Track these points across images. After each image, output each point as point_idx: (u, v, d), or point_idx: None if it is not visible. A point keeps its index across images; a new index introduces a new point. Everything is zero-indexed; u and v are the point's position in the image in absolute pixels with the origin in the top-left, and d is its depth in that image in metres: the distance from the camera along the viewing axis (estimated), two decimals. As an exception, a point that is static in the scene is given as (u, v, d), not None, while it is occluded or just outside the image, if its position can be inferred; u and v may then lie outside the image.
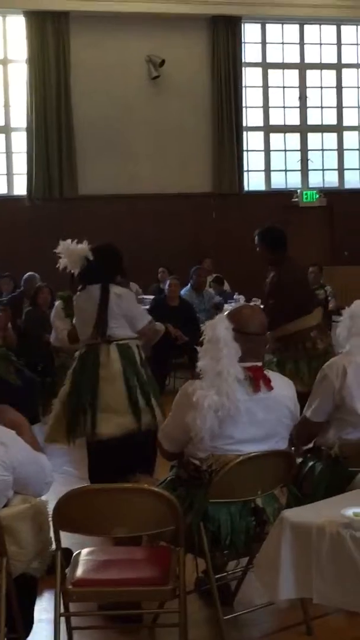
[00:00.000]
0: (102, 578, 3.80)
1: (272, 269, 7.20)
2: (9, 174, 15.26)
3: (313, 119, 16.91)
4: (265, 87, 16.55)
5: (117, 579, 3.79)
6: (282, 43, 16.65)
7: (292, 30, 16.63)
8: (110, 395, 5.80)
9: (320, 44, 16.85)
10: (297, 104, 16.79)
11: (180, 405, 4.15)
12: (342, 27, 16.84)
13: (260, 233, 7.28)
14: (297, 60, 16.74)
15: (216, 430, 4.02)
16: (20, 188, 14.99)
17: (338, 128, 17.06)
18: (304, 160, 16.88)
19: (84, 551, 4.03)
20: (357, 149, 17.21)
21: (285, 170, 16.87)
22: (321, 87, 16.93)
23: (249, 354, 4.16)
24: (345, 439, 4.58)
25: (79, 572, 3.83)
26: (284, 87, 16.71)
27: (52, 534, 3.81)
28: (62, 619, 3.84)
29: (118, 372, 5.81)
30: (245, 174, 16.10)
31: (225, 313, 4.29)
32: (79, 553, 4.01)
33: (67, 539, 3.92)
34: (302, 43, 16.73)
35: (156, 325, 6.33)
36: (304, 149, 16.91)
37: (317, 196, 16.38)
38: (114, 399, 5.80)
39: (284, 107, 16.74)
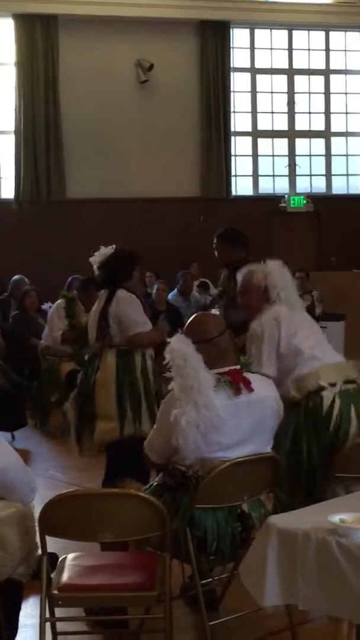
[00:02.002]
0: (88, 583, 3.80)
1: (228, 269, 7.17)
2: (-4, 177, 15.25)
3: (301, 124, 16.95)
4: (254, 92, 16.58)
5: (102, 584, 3.78)
6: (271, 48, 16.69)
7: (280, 35, 16.68)
8: (103, 401, 5.79)
9: (309, 49, 16.90)
10: (285, 109, 16.83)
11: (163, 417, 4.15)
12: (331, 33, 16.89)
13: (219, 234, 7.31)
14: (285, 65, 16.78)
15: (201, 445, 4.01)
16: (8, 191, 14.97)
17: (326, 134, 17.10)
18: (292, 166, 16.92)
19: (70, 556, 4.02)
20: (345, 155, 17.26)
21: (273, 176, 16.90)
22: (309, 93, 16.98)
23: (220, 358, 4.16)
24: (295, 377, 4.90)
25: (65, 577, 3.83)
26: (272, 92, 16.75)
27: (38, 539, 3.80)
28: (48, 625, 3.83)
29: (112, 377, 5.79)
30: (233, 178, 16.12)
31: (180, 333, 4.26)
32: (65, 558, 4.00)
33: (53, 543, 3.92)
34: (290, 49, 16.78)
35: (143, 336, 6.07)
36: (291, 154, 16.95)
37: (305, 201, 16.42)
38: (106, 405, 5.79)
39: (272, 112, 16.78)
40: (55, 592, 3.74)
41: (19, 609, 3.93)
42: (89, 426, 5.82)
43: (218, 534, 4.04)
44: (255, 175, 16.72)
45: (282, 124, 16.86)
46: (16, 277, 12.41)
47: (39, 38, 14.69)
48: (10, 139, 14.88)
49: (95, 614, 4.21)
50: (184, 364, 4.02)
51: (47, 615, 3.78)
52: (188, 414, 3.96)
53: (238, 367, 4.20)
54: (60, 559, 4.01)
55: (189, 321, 4.35)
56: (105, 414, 5.77)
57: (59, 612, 3.89)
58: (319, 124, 17.05)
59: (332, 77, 17.03)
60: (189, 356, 4.03)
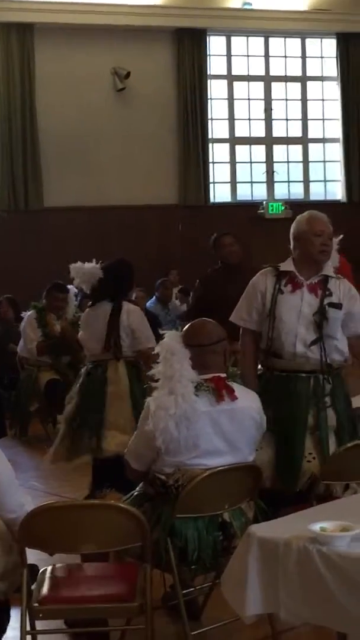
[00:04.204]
0: (69, 595, 3.78)
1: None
2: (-26, 186, 15.18)
3: (278, 131, 16.98)
4: (231, 99, 16.59)
5: (83, 595, 3.77)
6: (247, 55, 16.71)
7: (257, 43, 16.70)
8: (118, 413, 5.79)
9: (285, 56, 16.93)
10: (263, 116, 16.86)
11: (144, 420, 4.14)
12: (307, 40, 16.94)
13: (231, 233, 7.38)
14: (262, 72, 16.81)
15: (174, 434, 4.00)
16: (-15, 201, 14.91)
17: (303, 140, 17.14)
18: (270, 172, 16.94)
19: (50, 568, 4.00)
20: (322, 161, 17.30)
21: (251, 182, 16.92)
22: (286, 100, 17.00)
23: (207, 365, 4.18)
24: None
25: (45, 589, 3.80)
26: (249, 99, 16.77)
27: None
28: (29, 637, 3.80)
29: (126, 389, 5.80)
30: (211, 185, 16.12)
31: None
32: (45, 570, 3.98)
33: (33, 555, 3.89)
34: (267, 55, 16.80)
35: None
36: (269, 161, 16.97)
37: (283, 208, 16.43)
38: (121, 417, 5.79)
39: (249, 119, 16.80)
40: (36, 604, 3.72)
41: (4, 625, 3.90)
42: (89, 436, 5.80)
43: (199, 543, 4.04)
44: (234, 182, 16.73)
45: (259, 130, 16.87)
46: (-10, 288, 12.41)
47: (14, 47, 14.63)
48: (-13, 148, 14.83)
49: (75, 626, 4.19)
50: (170, 357, 4.10)
51: (28, 628, 3.75)
52: (160, 398, 4.01)
53: (223, 375, 4.20)
54: (40, 571, 3.98)
55: (189, 324, 4.41)
56: (118, 426, 5.75)
57: (40, 624, 3.87)
58: (296, 131, 17.09)
59: (309, 83, 17.08)
60: (176, 350, 4.11)
